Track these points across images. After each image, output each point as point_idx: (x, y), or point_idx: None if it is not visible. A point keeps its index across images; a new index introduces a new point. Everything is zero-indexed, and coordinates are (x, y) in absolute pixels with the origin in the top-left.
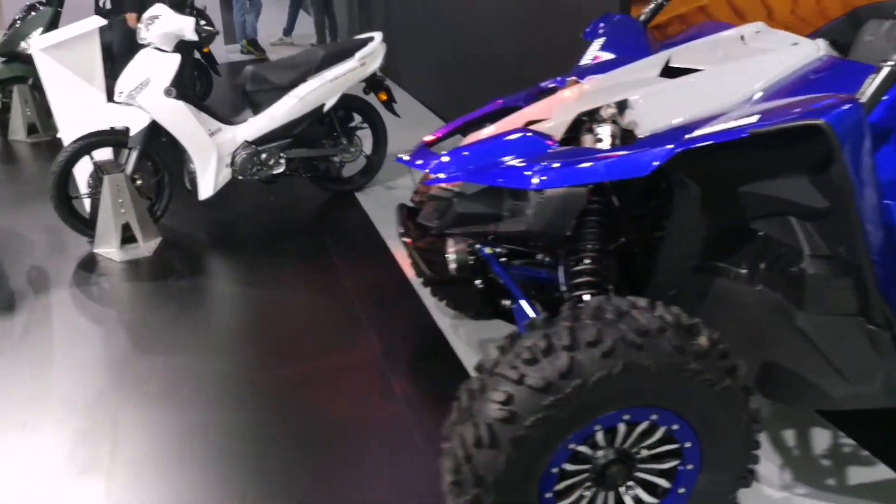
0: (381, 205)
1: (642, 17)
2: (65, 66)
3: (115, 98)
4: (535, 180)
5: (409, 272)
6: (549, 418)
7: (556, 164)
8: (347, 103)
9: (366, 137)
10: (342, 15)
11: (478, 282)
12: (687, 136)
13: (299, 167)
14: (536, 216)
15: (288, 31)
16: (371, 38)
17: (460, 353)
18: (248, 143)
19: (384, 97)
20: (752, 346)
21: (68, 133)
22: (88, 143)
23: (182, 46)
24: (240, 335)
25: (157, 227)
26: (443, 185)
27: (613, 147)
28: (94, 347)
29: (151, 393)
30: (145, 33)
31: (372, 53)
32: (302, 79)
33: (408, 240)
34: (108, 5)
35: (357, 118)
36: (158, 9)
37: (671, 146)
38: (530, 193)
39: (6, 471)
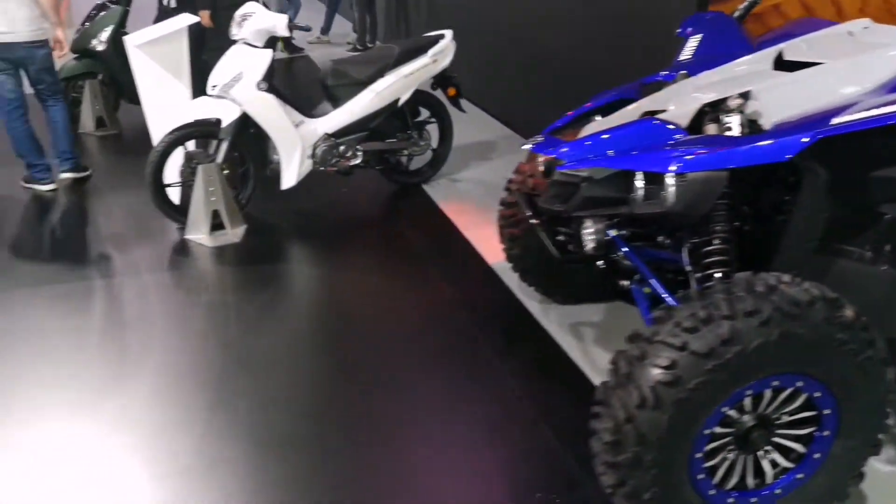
0: (450, 196)
1: (736, 14)
2: (156, 62)
3: (208, 91)
4: (677, 165)
5: (491, 257)
6: (709, 382)
7: (697, 150)
8: (416, 98)
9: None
10: (380, 14)
11: (600, 262)
12: (832, 122)
13: (371, 159)
14: (677, 198)
15: (325, 30)
16: (442, 36)
17: (554, 335)
18: (327, 136)
19: (453, 93)
20: (875, 324)
21: (157, 124)
22: (184, 133)
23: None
24: (332, 320)
25: (241, 215)
26: (567, 170)
27: (744, 136)
28: (202, 327)
29: (261, 372)
30: (237, 30)
31: (443, 50)
32: (379, 74)
33: (537, 221)
34: (173, 4)
35: (425, 112)
36: (252, 6)
37: (809, 133)
38: (666, 177)
39: (152, 433)
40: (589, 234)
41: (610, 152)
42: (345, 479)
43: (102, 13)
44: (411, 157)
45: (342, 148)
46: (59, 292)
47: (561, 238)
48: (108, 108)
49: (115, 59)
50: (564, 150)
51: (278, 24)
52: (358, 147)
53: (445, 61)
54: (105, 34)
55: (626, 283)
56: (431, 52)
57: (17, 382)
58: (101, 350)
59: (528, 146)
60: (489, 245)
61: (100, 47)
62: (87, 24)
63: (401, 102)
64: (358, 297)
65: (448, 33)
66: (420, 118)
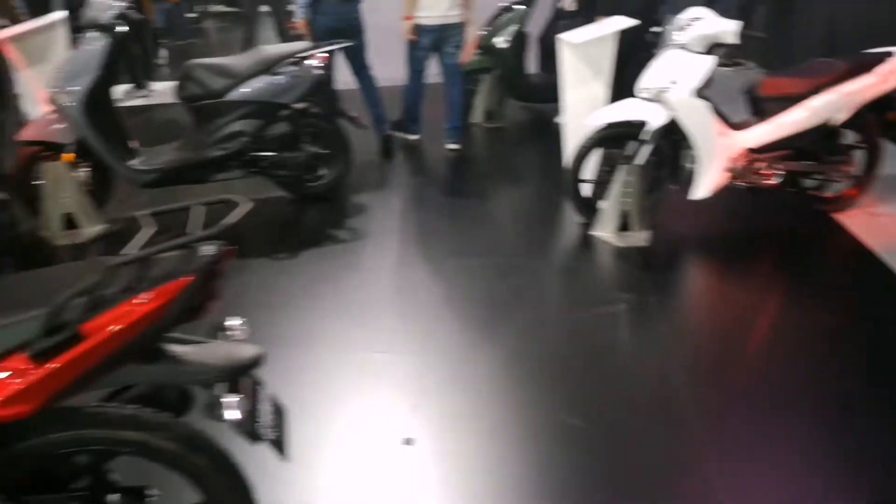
0: (873, 231)
1: None
2: (583, 63)
3: (639, 94)
4: None
5: None
6: None
7: None
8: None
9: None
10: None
11: None
12: None
13: (787, 180)
14: None
15: None
16: (891, 54)
17: None
18: (748, 150)
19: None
20: None
21: (572, 121)
22: (610, 133)
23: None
24: (731, 341)
25: (649, 219)
26: None
27: None
28: (600, 320)
29: (652, 376)
30: (679, 34)
31: (893, 70)
32: (818, 90)
33: None
34: (572, 6)
35: (851, 136)
36: (700, 11)
37: None
38: None
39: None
40: None
41: None
42: None
43: (507, 14)
44: (829, 182)
45: (761, 164)
46: (468, 265)
47: None
48: (497, 102)
49: (511, 57)
50: None
51: (727, 31)
52: (778, 166)
53: (894, 82)
54: (508, 33)
55: None
56: (878, 70)
57: (433, 334)
58: (503, 320)
59: None
60: None
61: (501, 45)
62: (490, 25)
63: (836, 122)
64: (768, 327)
65: None
66: (846, 141)
